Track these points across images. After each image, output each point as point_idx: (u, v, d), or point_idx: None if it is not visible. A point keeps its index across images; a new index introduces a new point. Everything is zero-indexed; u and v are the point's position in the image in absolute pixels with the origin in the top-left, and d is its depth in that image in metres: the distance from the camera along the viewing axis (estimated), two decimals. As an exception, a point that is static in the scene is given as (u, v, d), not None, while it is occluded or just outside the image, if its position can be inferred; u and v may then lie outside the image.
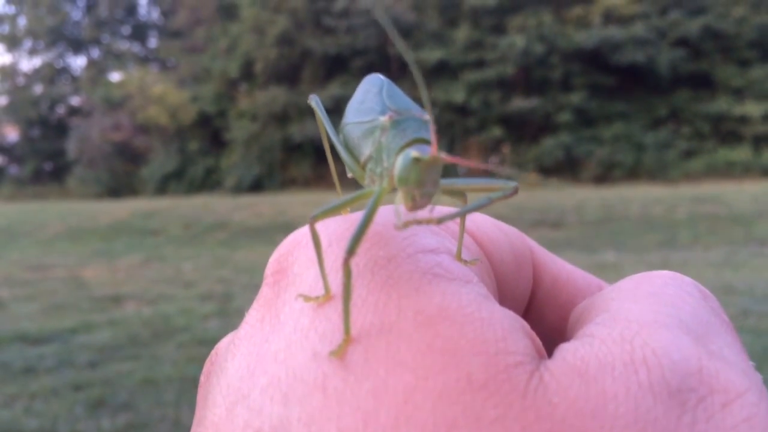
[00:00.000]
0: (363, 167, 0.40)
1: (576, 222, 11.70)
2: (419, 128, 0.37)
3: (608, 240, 9.92)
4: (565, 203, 13.63)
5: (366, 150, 0.39)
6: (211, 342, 4.92)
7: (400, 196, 0.36)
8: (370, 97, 0.41)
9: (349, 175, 0.43)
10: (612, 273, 6.73)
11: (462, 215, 0.38)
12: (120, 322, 5.44)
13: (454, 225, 0.41)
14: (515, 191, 0.38)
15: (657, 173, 21.48)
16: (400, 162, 0.36)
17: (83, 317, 5.58)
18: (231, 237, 11.75)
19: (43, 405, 3.63)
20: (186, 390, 3.76)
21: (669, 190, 16.67)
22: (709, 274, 6.52)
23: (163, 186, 26.37)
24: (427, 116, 0.38)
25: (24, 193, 28.10)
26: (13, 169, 32.69)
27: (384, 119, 0.38)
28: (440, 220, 0.35)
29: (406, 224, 0.35)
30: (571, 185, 20.69)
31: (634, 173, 22.00)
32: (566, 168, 22.88)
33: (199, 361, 4.27)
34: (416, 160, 0.35)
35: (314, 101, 0.48)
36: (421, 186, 0.35)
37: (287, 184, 25.06)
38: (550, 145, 22.96)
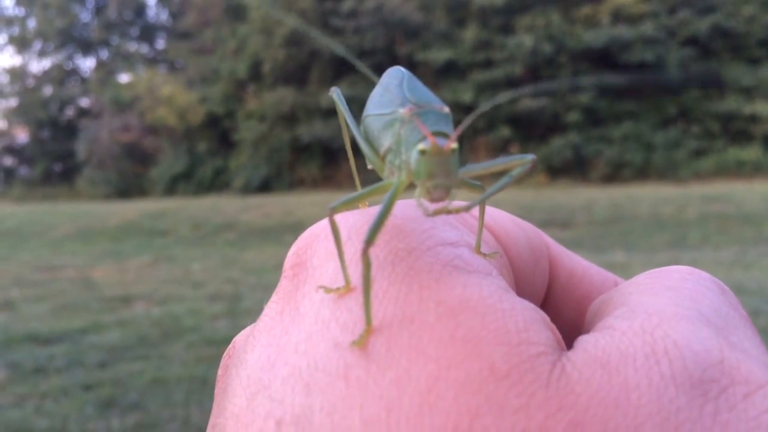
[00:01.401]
0: (383, 159, 0.41)
1: (585, 222, 11.67)
2: (438, 121, 0.38)
3: (617, 240, 9.88)
4: (574, 203, 13.59)
5: (386, 142, 0.40)
6: (220, 342, 4.96)
7: (418, 189, 0.36)
8: (391, 89, 0.41)
9: (369, 167, 0.44)
10: (621, 273, 6.67)
11: (486, 198, 0.38)
12: (129, 322, 5.46)
13: (472, 219, 0.41)
14: (533, 164, 0.38)
15: (666, 173, 21.37)
16: (412, 156, 0.36)
17: (93, 317, 5.61)
18: (240, 237, 11.78)
19: (54, 405, 3.64)
20: (195, 390, 3.77)
21: (678, 189, 16.59)
22: (719, 274, 6.46)
23: (172, 187, 26.44)
24: (447, 109, 0.39)
25: (34, 195, 28.24)
26: (23, 171, 32.87)
27: (403, 111, 0.38)
28: (467, 208, 0.36)
29: (436, 212, 0.35)
30: (580, 185, 20.64)
31: (643, 173, 21.90)
32: (575, 167, 22.80)
33: (209, 361, 4.28)
34: (422, 152, 0.35)
35: (336, 93, 0.48)
36: (432, 177, 0.35)
37: (295, 184, 25.09)
38: (558, 145, 22.89)
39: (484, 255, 0.37)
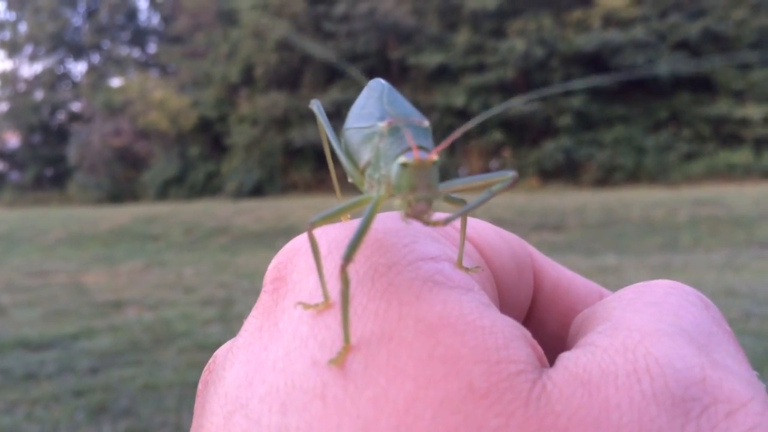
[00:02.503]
0: (362, 173, 0.40)
1: (577, 225, 11.70)
2: (417, 135, 0.37)
3: (609, 243, 9.91)
4: (565, 206, 13.63)
5: (365, 156, 0.39)
6: (212, 347, 4.94)
7: (397, 203, 0.36)
8: (371, 102, 0.41)
9: (350, 180, 0.43)
10: (613, 276, 6.72)
11: (467, 212, 0.37)
12: (121, 327, 5.44)
13: (454, 232, 0.40)
14: (514, 180, 0.38)
15: (658, 176, 21.49)
16: (392, 169, 0.36)
17: (84, 323, 5.58)
18: (232, 242, 11.76)
19: (44, 411, 3.62)
20: (187, 395, 3.75)
21: (670, 192, 16.67)
22: (710, 277, 6.51)
23: (164, 191, 26.39)
24: (427, 123, 0.38)
25: (25, 199, 28.13)
26: (14, 175, 32.73)
27: (382, 125, 0.37)
28: (446, 221, 0.35)
29: (420, 220, 0.35)
30: (572, 188, 20.71)
31: (634, 176, 22.01)
32: (567, 171, 22.90)
33: (200, 367, 4.24)
34: (404, 165, 0.35)
35: (315, 106, 0.48)
36: (414, 191, 0.35)
37: (288, 188, 25.08)
38: (550, 149, 22.98)
39: (467, 269, 0.36)
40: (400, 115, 0.38)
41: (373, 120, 0.39)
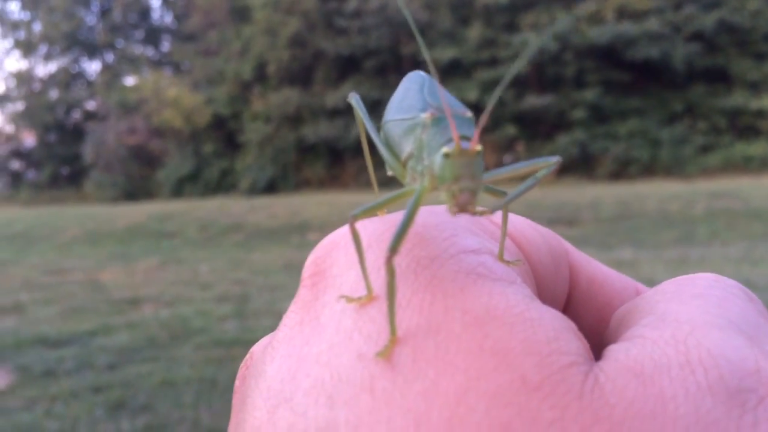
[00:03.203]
0: (404, 165, 0.40)
1: (592, 219, 11.64)
2: (461, 125, 0.37)
3: (625, 237, 9.86)
4: (580, 200, 13.57)
5: (407, 147, 0.39)
6: (228, 343, 4.97)
7: (443, 195, 0.35)
8: (411, 94, 0.41)
9: (390, 173, 0.43)
10: (629, 270, 6.68)
11: (513, 199, 0.37)
12: (138, 324, 5.48)
13: (492, 226, 0.41)
14: (559, 165, 0.38)
15: (673, 169, 21.31)
16: (435, 160, 0.36)
17: (102, 320, 5.63)
18: (247, 238, 11.80)
19: (64, 408, 3.66)
20: (204, 391, 3.78)
21: (686, 185, 16.54)
22: (728, 270, 6.46)
23: (179, 189, 26.51)
24: (470, 113, 0.38)
25: (41, 198, 28.36)
26: (31, 174, 32.99)
27: (425, 116, 0.38)
28: (494, 209, 0.36)
29: (474, 212, 0.35)
30: (587, 182, 20.59)
31: (650, 169, 21.84)
32: (581, 165, 22.76)
33: (217, 362, 4.30)
34: (446, 155, 0.35)
35: (354, 99, 0.48)
36: (458, 181, 0.34)
37: (301, 185, 25.13)
38: (564, 143, 22.85)
39: (507, 262, 0.36)
40: (443, 105, 0.38)
41: (415, 111, 0.39)
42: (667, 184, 17.79)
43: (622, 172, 21.98)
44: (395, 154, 0.41)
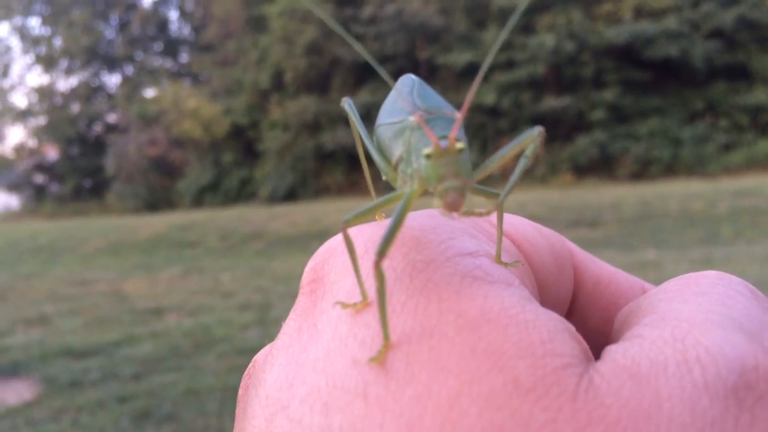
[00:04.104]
0: (395, 169, 0.40)
1: (614, 220, 11.53)
2: (447, 126, 0.36)
3: (648, 237, 9.75)
4: (602, 201, 13.45)
5: (397, 151, 0.39)
6: (251, 351, 4.97)
7: (435, 199, 0.35)
8: (402, 97, 0.41)
9: (384, 177, 0.43)
10: (653, 271, 6.61)
11: (512, 186, 0.37)
12: (162, 334, 5.51)
13: (491, 228, 0.40)
14: (543, 137, 0.37)
15: (695, 168, 21.07)
16: (421, 162, 0.35)
17: (126, 330, 5.67)
18: (267, 247, 11.84)
19: (90, 418, 3.69)
20: (228, 399, 3.79)
21: (709, 184, 16.34)
22: (753, 269, 6.36)
23: (200, 198, 26.70)
24: (458, 114, 0.37)
25: (65, 210, 28.69)
26: (54, 187, 33.39)
27: (412, 119, 0.37)
28: (489, 211, 0.35)
29: (466, 213, 0.35)
30: (608, 183, 20.43)
31: (671, 169, 21.61)
32: (602, 166, 22.58)
33: (240, 371, 4.30)
34: (427, 156, 0.35)
35: (347, 104, 0.47)
36: (442, 181, 0.34)
37: (321, 192, 25.19)
38: (584, 144, 22.69)
39: (505, 264, 0.36)
40: (431, 108, 0.38)
41: (404, 115, 0.39)
42: (690, 183, 17.59)
43: (643, 172, 21.77)
44: (387, 159, 0.41)
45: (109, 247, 13.11)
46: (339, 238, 0.38)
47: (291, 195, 24.75)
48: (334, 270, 0.36)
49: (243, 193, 26.22)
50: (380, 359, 0.29)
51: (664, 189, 15.62)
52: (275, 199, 24.10)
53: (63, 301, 7.43)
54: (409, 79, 0.43)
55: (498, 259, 0.36)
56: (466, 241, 0.36)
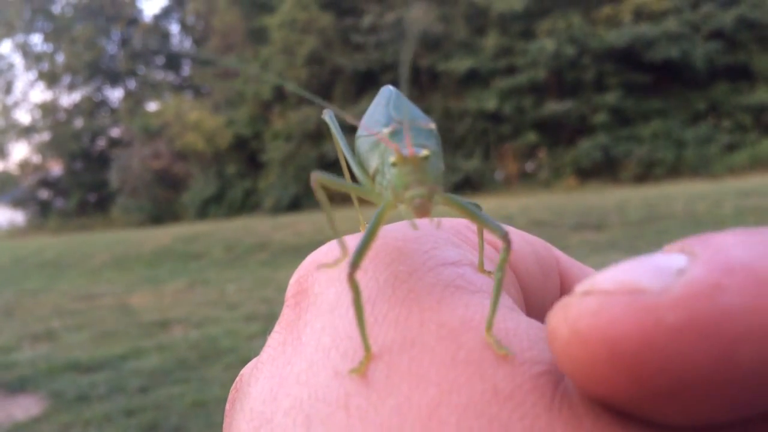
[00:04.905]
0: (373, 180, 0.40)
1: (618, 223, 11.51)
2: (418, 136, 0.37)
3: (653, 240, 9.72)
4: (606, 204, 13.42)
5: (373, 163, 0.39)
6: (257, 362, 4.97)
7: (402, 208, 0.36)
8: (379, 109, 0.41)
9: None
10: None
11: (474, 212, 0.36)
12: (168, 346, 5.51)
13: (475, 236, 0.40)
14: (506, 241, 0.34)
15: (699, 169, 21.04)
16: (387, 171, 0.36)
17: (132, 343, 5.67)
18: (272, 257, 11.84)
19: (98, 431, 3.68)
20: (236, 411, 3.78)
21: (713, 185, 16.30)
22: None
23: (204, 210, 26.74)
24: (433, 125, 0.38)
25: (70, 225, 28.74)
26: (59, 202, 33.48)
27: (386, 131, 0.37)
28: (477, 217, 0.35)
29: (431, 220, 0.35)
30: (611, 186, 20.40)
31: (675, 170, 21.58)
32: (605, 169, 22.56)
33: (247, 382, 4.29)
34: (393, 164, 0.35)
35: (328, 116, 0.48)
36: (407, 188, 0.35)
37: (325, 201, 25.17)
38: (587, 147, 22.68)
39: (488, 273, 0.36)
40: (405, 119, 0.38)
41: (379, 127, 0.39)
42: (694, 184, 17.55)
43: (647, 174, 21.73)
44: (365, 170, 0.41)
45: (115, 261, 13.12)
46: (323, 249, 0.40)
47: (295, 205, 24.77)
48: (317, 282, 0.36)
49: (247, 204, 26.26)
50: (361, 370, 0.29)
51: (668, 191, 15.59)
52: (279, 209, 24.11)
53: (69, 315, 7.43)
54: (387, 91, 0.43)
55: (481, 268, 0.36)
56: (449, 250, 0.36)
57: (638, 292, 0.22)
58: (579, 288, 0.24)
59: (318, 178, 0.39)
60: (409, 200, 0.35)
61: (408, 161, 0.34)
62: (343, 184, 0.40)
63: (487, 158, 23.59)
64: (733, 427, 0.24)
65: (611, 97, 23.11)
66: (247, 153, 27.73)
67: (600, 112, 23.13)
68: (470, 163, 22.94)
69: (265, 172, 26.55)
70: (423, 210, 0.34)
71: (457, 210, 0.37)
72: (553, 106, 23.41)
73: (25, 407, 4.23)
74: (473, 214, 0.36)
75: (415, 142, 0.36)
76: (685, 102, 23.32)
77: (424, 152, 0.35)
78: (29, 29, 34.12)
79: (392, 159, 0.35)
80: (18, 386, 4.64)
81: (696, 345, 0.21)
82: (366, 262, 0.35)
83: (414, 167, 0.35)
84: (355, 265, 0.31)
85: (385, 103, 0.41)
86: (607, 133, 22.83)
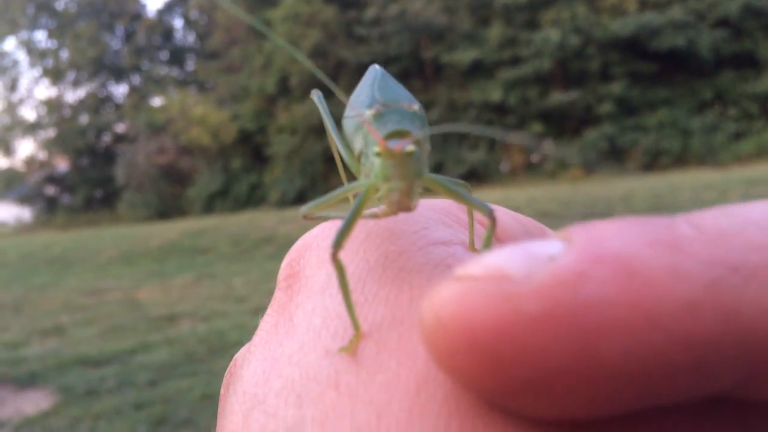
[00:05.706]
0: (358, 160, 0.40)
1: (625, 213, 11.46)
2: (402, 119, 0.37)
3: (660, 229, 9.69)
4: (612, 194, 13.38)
5: (358, 144, 0.39)
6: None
7: (379, 194, 0.35)
8: (365, 90, 0.41)
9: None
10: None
11: (462, 193, 0.37)
12: (176, 340, 5.53)
13: (466, 216, 0.40)
14: (491, 218, 0.35)
15: (706, 158, 20.95)
16: (371, 157, 0.36)
17: (141, 338, 5.68)
18: (278, 250, 11.85)
19: (107, 425, 3.70)
20: (244, 404, 3.79)
21: (720, 174, 16.22)
22: None
23: (210, 205, 26.78)
24: (417, 106, 0.38)
25: (77, 221, 28.83)
26: (66, 199, 33.58)
27: (369, 112, 0.37)
28: (465, 198, 0.35)
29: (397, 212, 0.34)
30: (618, 176, 20.34)
31: (682, 159, 21.49)
32: (611, 159, 22.48)
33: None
34: (377, 154, 0.35)
35: (316, 96, 0.48)
36: (388, 180, 0.34)
37: (330, 194, 25.18)
38: (593, 137, 22.60)
39: (479, 251, 0.36)
40: (390, 100, 0.38)
41: (363, 108, 0.39)
42: (701, 173, 17.47)
43: (653, 163, 21.66)
44: (351, 151, 0.41)
45: (122, 256, 13.16)
46: (314, 233, 0.39)
47: (300, 198, 24.77)
48: (309, 264, 0.37)
49: (253, 198, 26.29)
50: (351, 349, 0.29)
51: (675, 180, 15.52)
52: (285, 202, 24.12)
53: (77, 310, 7.46)
54: (373, 71, 0.43)
55: (472, 247, 0.36)
56: (440, 230, 0.36)
57: (503, 279, 0.21)
58: (456, 272, 0.23)
59: (304, 212, 0.38)
60: (387, 192, 0.35)
61: (392, 154, 0.34)
62: (328, 197, 0.38)
63: (493, 150, 23.53)
64: (617, 421, 0.23)
65: (617, 87, 23.01)
66: (252, 147, 27.74)
67: (605, 102, 23.04)
68: (475, 154, 22.89)
69: (270, 166, 26.56)
70: (398, 204, 0.35)
71: (441, 191, 0.37)
72: (559, 97, 23.33)
73: (35, 402, 4.25)
74: (458, 194, 0.36)
75: (397, 127, 0.36)
76: (691, 91, 23.21)
77: (409, 148, 0.34)
78: (33, 26, 34.14)
79: (376, 149, 0.35)
80: (27, 381, 4.66)
81: (555, 337, 0.20)
82: (357, 243, 0.36)
83: (397, 161, 0.34)
84: (338, 245, 0.31)
85: (370, 84, 0.41)
86: (612, 123, 22.75)
